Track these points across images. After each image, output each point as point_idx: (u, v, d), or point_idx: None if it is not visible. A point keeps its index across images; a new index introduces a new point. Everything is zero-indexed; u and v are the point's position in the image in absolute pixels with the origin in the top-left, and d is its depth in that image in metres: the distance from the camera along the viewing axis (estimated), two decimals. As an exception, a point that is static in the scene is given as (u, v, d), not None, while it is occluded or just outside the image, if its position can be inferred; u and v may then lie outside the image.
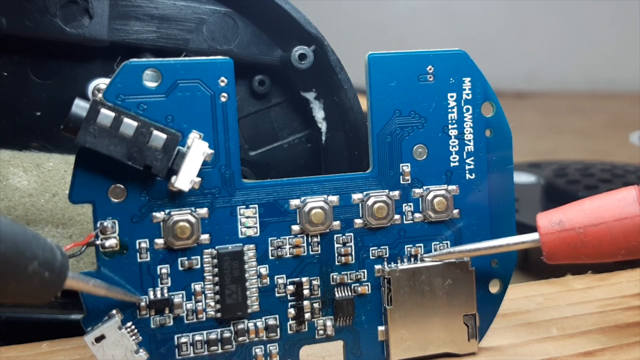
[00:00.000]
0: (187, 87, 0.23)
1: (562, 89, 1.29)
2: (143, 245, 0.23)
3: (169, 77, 0.23)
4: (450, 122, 0.26)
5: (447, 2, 1.36)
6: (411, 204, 0.26)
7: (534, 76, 1.33)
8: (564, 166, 0.52)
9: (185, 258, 0.24)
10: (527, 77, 1.32)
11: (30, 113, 0.30)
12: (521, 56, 1.33)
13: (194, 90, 0.23)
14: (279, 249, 0.25)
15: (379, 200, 0.25)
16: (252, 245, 0.24)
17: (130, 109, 0.22)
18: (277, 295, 0.25)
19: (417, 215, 0.26)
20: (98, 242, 0.23)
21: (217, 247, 0.24)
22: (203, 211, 0.24)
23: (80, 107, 0.22)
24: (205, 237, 0.24)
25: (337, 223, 0.25)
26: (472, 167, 0.26)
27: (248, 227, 0.24)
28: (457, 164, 0.26)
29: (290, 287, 0.25)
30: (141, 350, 0.23)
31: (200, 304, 0.24)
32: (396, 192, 0.26)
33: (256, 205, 0.24)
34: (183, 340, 0.24)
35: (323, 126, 0.31)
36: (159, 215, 0.23)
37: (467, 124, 0.26)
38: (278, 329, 0.25)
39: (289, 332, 0.25)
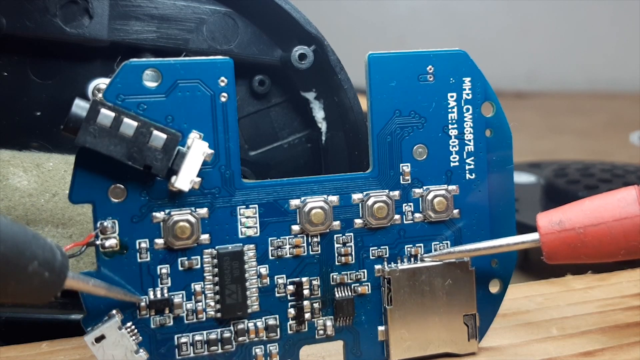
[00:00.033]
0: (187, 87, 0.23)
1: (562, 89, 1.29)
2: (143, 245, 0.23)
3: (169, 77, 0.23)
4: (450, 122, 0.26)
5: (447, 2, 1.36)
6: (411, 204, 0.26)
7: (534, 76, 1.33)
8: (564, 166, 0.52)
9: (185, 258, 0.24)
10: (527, 77, 1.32)
11: (30, 113, 0.30)
12: (521, 56, 1.33)
13: (194, 90, 0.23)
14: (279, 249, 0.25)
15: (379, 200, 0.25)
16: (252, 245, 0.24)
17: (130, 109, 0.22)
18: (277, 295, 0.25)
19: (417, 215, 0.26)
20: (98, 242, 0.23)
21: (217, 247, 0.24)
22: (203, 211, 0.24)
23: (80, 107, 0.22)
24: (205, 237, 0.24)
25: (337, 223, 0.25)
26: (472, 167, 0.26)
27: (248, 227, 0.24)
28: (457, 164, 0.26)
29: (290, 287, 0.25)
30: (141, 350, 0.23)
31: (200, 304, 0.24)
32: (396, 192, 0.25)
33: (256, 205, 0.24)
34: (183, 340, 0.24)
35: (323, 126, 0.31)
36: (159, 215, 0.23)
37: (467, 124, 0.26)
38: (278, 329, 0.25)
39: (289, 332, 0.25)
